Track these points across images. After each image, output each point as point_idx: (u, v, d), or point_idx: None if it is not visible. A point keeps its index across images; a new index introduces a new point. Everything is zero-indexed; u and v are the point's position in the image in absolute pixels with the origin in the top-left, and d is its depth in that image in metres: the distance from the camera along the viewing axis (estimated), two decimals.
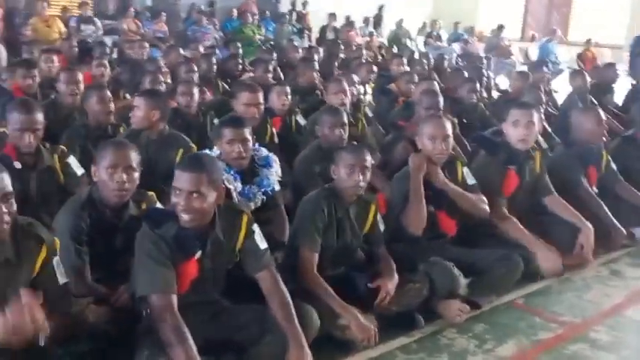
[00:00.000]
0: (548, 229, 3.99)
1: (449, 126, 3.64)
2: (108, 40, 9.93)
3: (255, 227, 2.78)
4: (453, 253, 3.64)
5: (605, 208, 4.31)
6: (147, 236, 2.55)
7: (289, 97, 5.24)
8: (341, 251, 3.23)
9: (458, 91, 6.31)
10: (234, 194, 3.38)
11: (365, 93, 6.98)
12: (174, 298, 2.48)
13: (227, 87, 6.79)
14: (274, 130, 4.75)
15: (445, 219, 3.64)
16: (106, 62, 6.28)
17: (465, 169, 3.75)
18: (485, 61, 9.92)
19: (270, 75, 6.62)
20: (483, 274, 3.54)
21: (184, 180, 2.53)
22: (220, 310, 2.75)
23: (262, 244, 2.77)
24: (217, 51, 10.38)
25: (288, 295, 2.67)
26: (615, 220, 4.28)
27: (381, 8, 15.14)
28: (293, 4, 14.52)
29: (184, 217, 2.52)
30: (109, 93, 4.41)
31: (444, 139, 3.57)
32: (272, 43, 11.92)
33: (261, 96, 4.52)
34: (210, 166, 2.61)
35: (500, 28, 13.70)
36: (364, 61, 7.85)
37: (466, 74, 7.00)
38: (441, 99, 4.65)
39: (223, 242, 2.68)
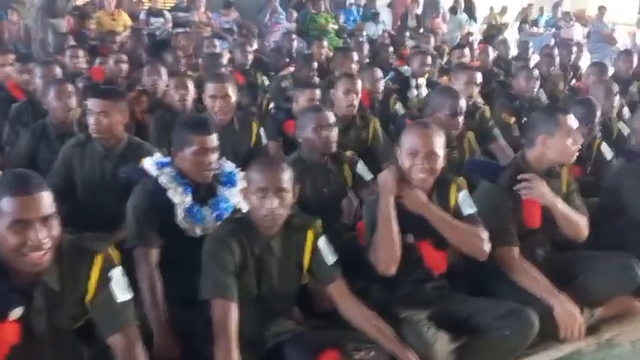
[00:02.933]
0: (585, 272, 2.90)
1: (438, 140, 2.63)
2: None
3: (116, 273, 2.00)
4: (447, 301, 2.68)
5: None
6: None
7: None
8: (268, 300, 2.38)
9: (514, 83, 5.19)
10: (180, 210, 2.64)
11: (417, 87, 5.98)
12: None
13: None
14: (262, 132, 3.90)
15: (430, 252, 2.65)
16: (123, 57, 5.66)
17: (463, 195, 2.72)
18: (575, 48, 8.46)
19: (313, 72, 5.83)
20: (480, 334, 2.56)
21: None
22: None
23: (123, 296, 1.99)
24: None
25: None
26: None
27: None
28: None
29: None
30: (70, 88, 3.77)
31: (428, 156, 2.58)
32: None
33: (230, 87, 3.71)
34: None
35: (602, 9, 11.95)
36: (419, 50, 6.77)
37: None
38: (462, 101, 3.59)
39: (59, 293, 1.92)
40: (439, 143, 2.62)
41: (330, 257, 2.42)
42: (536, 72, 5.17)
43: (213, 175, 2.73)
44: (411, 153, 2.58)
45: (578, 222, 2.90)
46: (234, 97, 3.76)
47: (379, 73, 4.98)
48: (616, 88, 4.52)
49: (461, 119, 3.59)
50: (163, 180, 2.63)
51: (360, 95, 4.16)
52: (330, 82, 5.49)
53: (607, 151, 3.96)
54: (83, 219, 3.10)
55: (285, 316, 2.45)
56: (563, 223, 2.87)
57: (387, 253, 2.51)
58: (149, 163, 2.69)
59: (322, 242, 2.42)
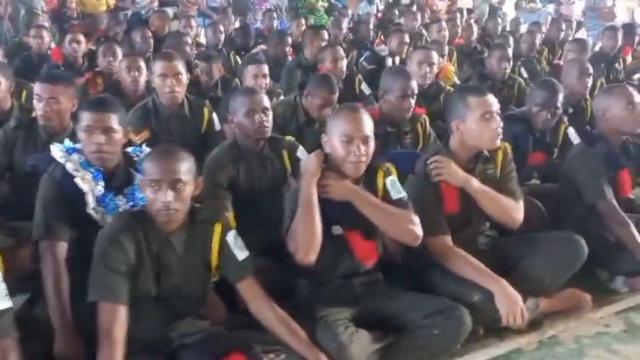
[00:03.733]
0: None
1: (370, 123, 2.43)
2: (170, 12, 9.34)
3: None
4: (377, 298, 2.51)
5: (636, 234, 2.92)
6: None
7: (266, 77, 4.30)
8: (171, 300, 2.20)
9: (487, 62, 4.95)
10: (90, 199, 2.44)
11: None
12: None
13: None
14: (215, 117, 3.69)
15: (359, 242, 2.46)
16: (79, 37, 5.42)
17: (391, 180, 2.52)
18: (564, 25, 8.12)
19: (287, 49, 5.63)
20: (408, 333, 2.38)
21: None
22: None
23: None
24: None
25: None
26: None
27: None
28: None
29: None
30: None
31: (364, 142, 2.39)
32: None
33: (180, 66, 3.50)
34: None
35: None
36: (397, 28, 6.50)
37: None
38: (413, 82, 3.39)
39: None
40: (371, 127, 2.45)
41: (239, 253, 2.23)
42: (509, 52, 4.91)
43: (129, 161, 2.55)
44: (345, 140, 2.38)
45: (505, 205, 2.70)
46: (185, 76, 3.56)
47: (340, 52, 4.66)
48: (590, 67, 4.27)
49: (412, 101, 3.40)
50: (70, 167, 2.43)
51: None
52: (299, 61, 5.32)
53: (574, 136, 3.73)
54: (19, 205, 2.97)
55: (195, 316, 2.28)
56: (487, 206, 2.69)
57: (305, 238, 2.31)
58: (57, 150, 2.50)
59: (231, 237, 2.24)
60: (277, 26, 8.32)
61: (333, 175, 2.40)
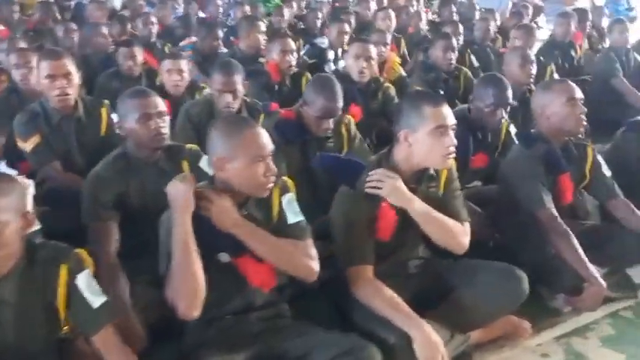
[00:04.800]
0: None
1: (266, 139, 2.06)
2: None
3: None
4: (278, 335, 2.13)
5: (577, 247, 2.59)
6: None
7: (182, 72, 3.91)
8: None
9: (431, 52, 4.59)
10: None
11: (337, 59, 5.32)
12: None
13: None
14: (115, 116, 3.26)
15: (253, 267, 2.07)
16: None
17: (288, 199, 2.15)
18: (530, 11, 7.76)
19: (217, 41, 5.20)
20: None
21: None
22: None
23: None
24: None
25: None
26: (592, 269, 2.57)
27: None
28: None
29: None
30: None
31: (271, 158, 2.05)
32: None
33: (69, 64, 3.09)
34: None
35: None
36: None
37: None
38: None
39: None
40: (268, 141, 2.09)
41: (94, 299, 1.83)
42: (453, 41, 4.55)
43: None
44: (257, 160, 2.00)
45: (451, 229, 2.32)
46: (76, 76, 3.14)
47: (289, 43, 4.19)
48: (531, 55, 3.94)
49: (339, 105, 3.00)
50: None
51: None
52: (233, 54, 4.90)
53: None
54: None
55: None
56: (431, 231, 2.31)
57: (185, 288, 1.92)
58: None
59: (82, 279, 1.83)
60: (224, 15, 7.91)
61: (214, 198, 2.02)
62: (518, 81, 3.87)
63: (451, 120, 2.25)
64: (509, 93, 3.23)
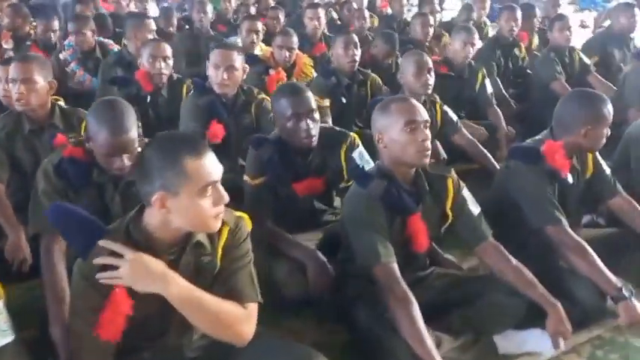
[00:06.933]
0: None
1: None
2: None
3: None
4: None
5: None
6: None
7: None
8: None
9: (332, 52, 3.99)
10: None
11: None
12: None
13: None
14: None
15: None
16: None
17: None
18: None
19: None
20: None
21: None
22: None
23: None
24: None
25: None
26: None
27: None
28: None
29: None
30: None
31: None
32: None
33: None
34: None
35: None
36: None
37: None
38: None
39: None
40: None
41: None
42: (354, 37, 3.93)
43: None
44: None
45: (221, 316, 1.67)
46: None
47: (162, 48, 3.56)
48: (429, 61, 3.32)
49: None
50: None
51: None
52: (120, 57, 4.31)
53: None
54: None
55: None
56: (192, 320, 1.68)
57: None
58: None
59: None
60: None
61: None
62: (413, 90, 3.28)
63: (217, 175, 1.65)
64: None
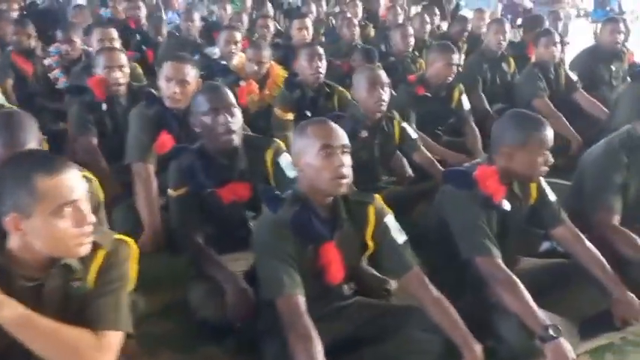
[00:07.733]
0: None
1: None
2: None
3: None
4: None
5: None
6: None
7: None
8: None
9: (296, 64, 3.89)
10: None
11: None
12: None
13: None
14: None
15: None
16: None
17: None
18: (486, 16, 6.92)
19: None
20: None
21: None
22: None
23: None
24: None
25: None
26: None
27: None
28: None
29: None
30: None
31: None
32: None
33: None
34: None
35: None
36: None
37: None
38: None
39: None
40: None
41: None
42: (319, 49, 3.80)
43: None
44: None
45: (64, 343, 1.55)
46: None
47: (117, 58, 3.45)
48: (382, 75, 3.19)
49: None
50: None
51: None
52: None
53: None
54: None
55: None
56: (33, 348, 1.53)
57: None
58: None
59: None
60: None
61: None
62: (368, 107, 3.16)
63: (78, 194, 1.55)
64: None
